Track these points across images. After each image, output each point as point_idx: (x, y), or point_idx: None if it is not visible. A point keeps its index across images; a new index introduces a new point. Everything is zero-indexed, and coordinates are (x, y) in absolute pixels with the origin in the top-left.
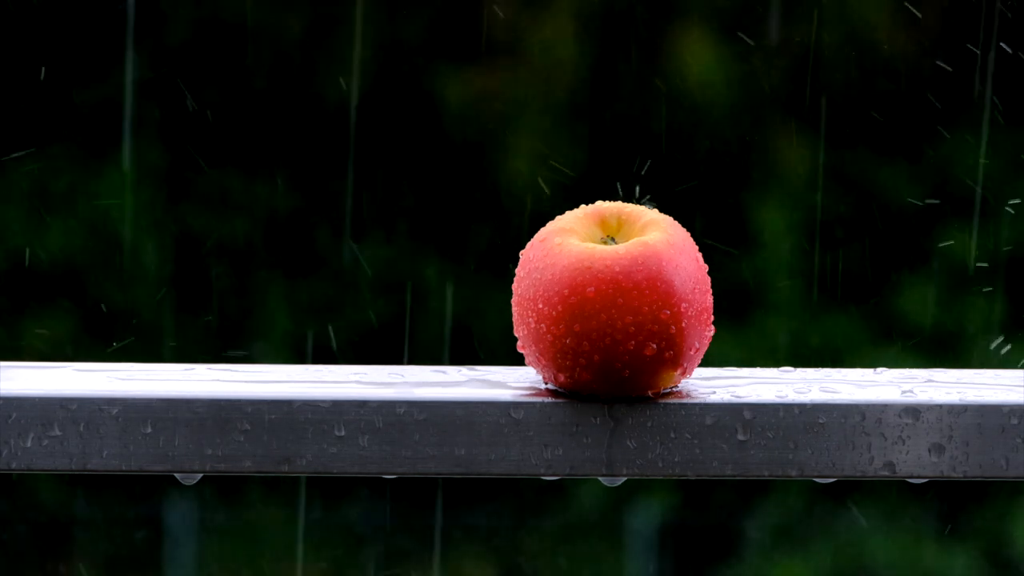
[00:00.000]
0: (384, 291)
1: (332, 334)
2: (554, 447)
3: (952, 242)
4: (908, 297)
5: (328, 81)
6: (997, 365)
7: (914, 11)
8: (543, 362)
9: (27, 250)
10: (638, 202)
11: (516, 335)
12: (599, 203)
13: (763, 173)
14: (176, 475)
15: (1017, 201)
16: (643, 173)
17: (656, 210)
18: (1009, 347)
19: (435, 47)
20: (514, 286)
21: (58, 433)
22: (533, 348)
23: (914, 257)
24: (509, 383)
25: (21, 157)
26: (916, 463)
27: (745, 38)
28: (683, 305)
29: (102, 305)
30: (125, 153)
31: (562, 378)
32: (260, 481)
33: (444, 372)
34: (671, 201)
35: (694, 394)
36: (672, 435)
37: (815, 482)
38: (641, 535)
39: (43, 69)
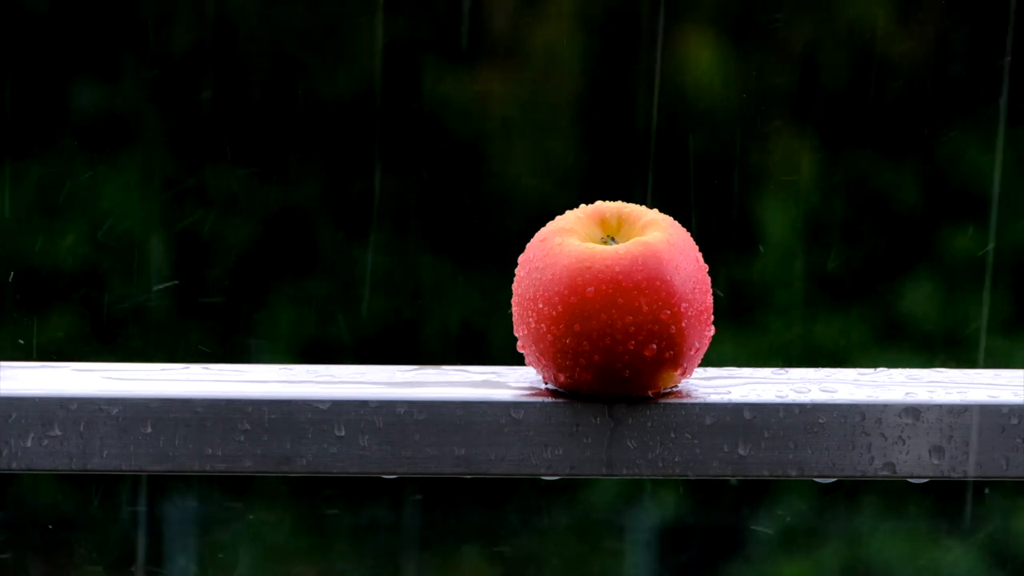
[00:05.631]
0: (384, 291)
1: (333, 334)
2: (554, 447)
3: (954, 242)
4: (909, 297)
5: (328, 81)
6: (998, 365)
7: (916, 10)
8: (543, 362)
9: (30, 251)
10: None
11: (516, 335)
12: (599, 203)
13: (764, 173)
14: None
15: (1020, 200)
16: (643, 173)
17: (656, 210)
18: (1010, 347)
19: (435, 47)
20: (514, 286)
21: (58, 433)
22: (533, 348)
23: (915, 257)
24: (509, 383)
25: (25, 159)
26: (916, 463)
27: (746, 38)
28: (683, 305)
29: (105, 306)
30: (128, 153)
31: (562, 378)
32: (260, 480)
33: (444, 372)
34: (671, 201)
35: (694, 394)
36: (672, 435)
37: (817, 482)
38: (642, 535)
39: (44, 70)
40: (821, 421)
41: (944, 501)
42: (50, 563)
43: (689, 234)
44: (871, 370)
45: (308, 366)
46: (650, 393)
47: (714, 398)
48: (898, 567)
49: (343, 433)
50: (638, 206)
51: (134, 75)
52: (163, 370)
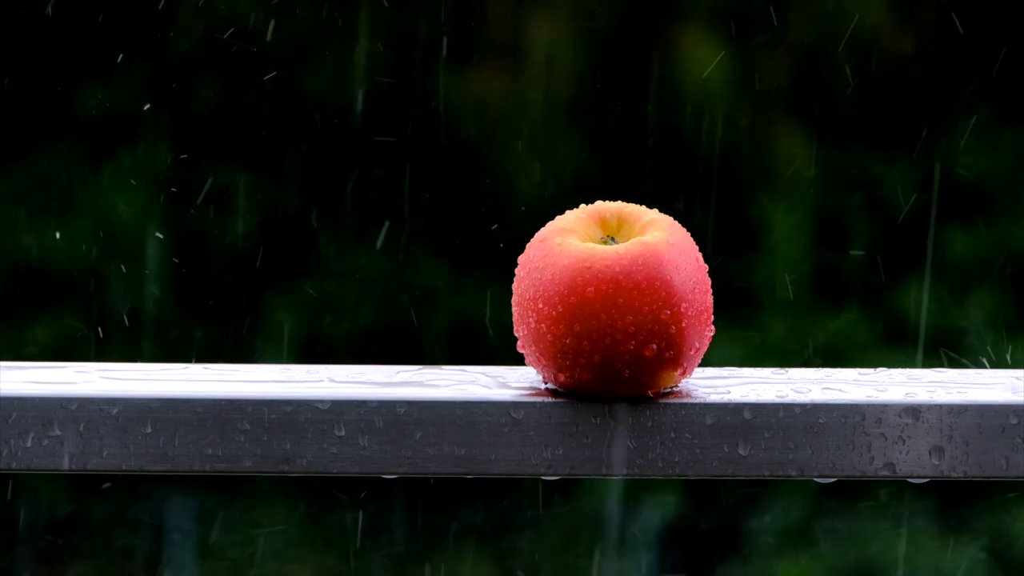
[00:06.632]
0: (384, 291)
1: (333, 334)
2: (554, 447)
3: (954, 242)
4: (910, 297)
5: (329, 81)
6: (998, 365)
7: (915, 9)
8: (543, 362)
9: (30, 251)
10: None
11: (516, 335)
12: (599, 203)
13: (765, 173)
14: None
15: (1020, 199)
16: (644, 173)
17: (656, 210)
18: (1010, 347)
19: (435, 47)
20: (514, 286)
21: (58, 433)
22: (533, 348)
23: (915, 257)
24: (509, 383)
25: (25, 159)
26: (916, 463)
27: (747, 37)
28: (683, 305)
29: (104, 306)
30: (128, 154)
31: (562, 378)
32: (260, 480)
33: (444, 372)
34: (672, 201)
35: (694, 394)
36: (672, 435)
37: (817, 482)
38: (642, 535)
39: (45, 70)
40: (821, 421)
41: (944, 501)
42: (50, 563)
43: (689, 234)
44: (871, 370)
45: (308, 366)
46: (650, 393)
47: (714, 398)
48: (898, 567)
49: (343, 433)
50: (638, 206)
51: (134, 75)
52: (163, 370)
